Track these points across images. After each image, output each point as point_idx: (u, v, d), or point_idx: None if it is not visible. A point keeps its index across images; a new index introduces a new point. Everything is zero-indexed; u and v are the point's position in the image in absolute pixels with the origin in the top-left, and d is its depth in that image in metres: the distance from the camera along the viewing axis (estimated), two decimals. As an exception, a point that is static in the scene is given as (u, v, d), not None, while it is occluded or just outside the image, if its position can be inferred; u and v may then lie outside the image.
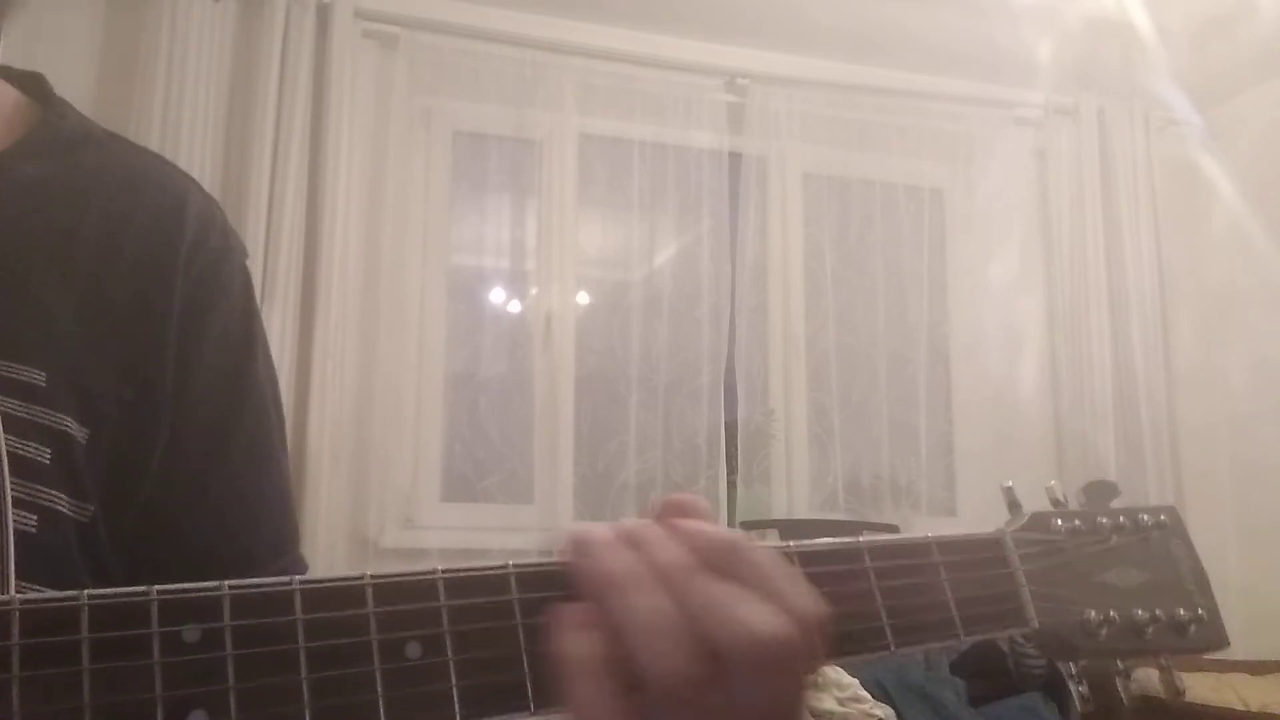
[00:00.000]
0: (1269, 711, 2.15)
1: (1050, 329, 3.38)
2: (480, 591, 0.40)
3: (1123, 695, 0.56)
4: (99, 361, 0.57)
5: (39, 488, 0.53)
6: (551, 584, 0.41)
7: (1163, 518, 0.59)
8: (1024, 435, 3.27)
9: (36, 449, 0.53)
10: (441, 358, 2.89)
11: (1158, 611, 0.56)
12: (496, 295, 3.03)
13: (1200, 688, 2.55)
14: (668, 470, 2.96)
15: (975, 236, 3.37)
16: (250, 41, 2.73)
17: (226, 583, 0.37)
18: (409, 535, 2.72)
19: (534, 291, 2.99)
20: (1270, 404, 3.24)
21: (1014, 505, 0.58)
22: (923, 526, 3.09)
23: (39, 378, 0.54)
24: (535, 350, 2.92)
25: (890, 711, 2.12)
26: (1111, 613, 0.55)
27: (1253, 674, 2.80)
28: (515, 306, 3.04)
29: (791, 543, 0.46)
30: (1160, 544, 0.59)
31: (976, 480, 3.23)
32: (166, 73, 2.59)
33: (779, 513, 3.03)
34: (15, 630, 0.34)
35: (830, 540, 0.48)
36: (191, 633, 0.36)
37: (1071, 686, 0.57)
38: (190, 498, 0.60)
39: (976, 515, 3.19)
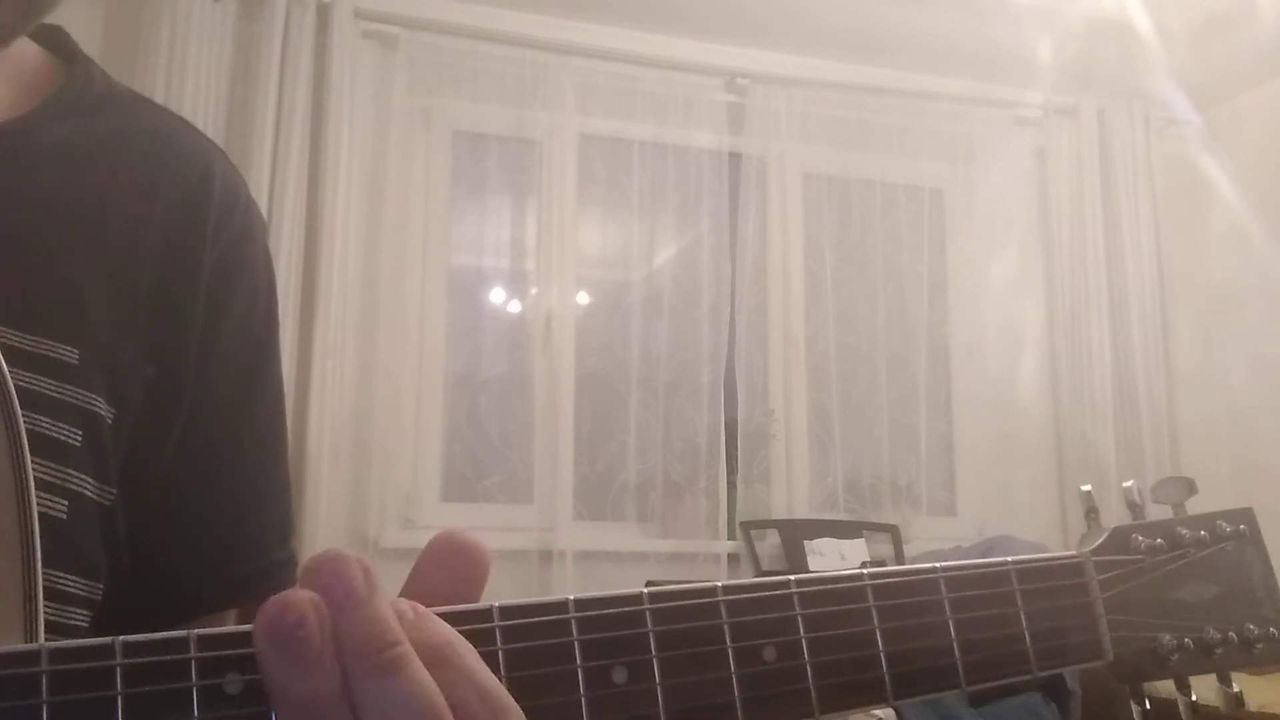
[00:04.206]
0: (1269, 712, 2.14)
1: (1050, 329, 3.38)
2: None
3: (1184, 715, 0.54)
4: (127, 340, 0.55)
5: (69, 471, 0.51)
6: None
7: (1241, 526, 0.57)
8: (1024, 435, 3.27)
9: (68, 430, 0.51)
10: (441, 358, 2.89)
11: (1229, 631, 0.55)
12: (496, 295, 3.03)
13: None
14: (668, 470, 2.96)
15: (975, 236, 3.37)
16: (250, 41, 2.73)
17: None
18: (409, 535, 2.71)
19: (534, 291, 2.99)
20: (1270, 403, 3.24)
21: (1091, 512, 0.56)
22: (923, 526, 3.09)
23: (72, 355, 0.52)
24: (535, 350, 2.92)
25: (890, 711, 2.12)
26: (1185, 638, 0.54)
27: (1252, 673, 2.80)
28: (515, 306, 3.04)
29: (866, 571, 0.44)
30: (1235, 554, 0.57)
31: (976, 480, 3.23)
32: (166, 73, 2.59)
33: (779, 513, 3.03)
34: (44, 686, 0.32)
35: (907, 569, 0.46)
36: (233, 684, 0.34)
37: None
38: (202, 481, 0.59)
39: (976, 515, 3.19)
